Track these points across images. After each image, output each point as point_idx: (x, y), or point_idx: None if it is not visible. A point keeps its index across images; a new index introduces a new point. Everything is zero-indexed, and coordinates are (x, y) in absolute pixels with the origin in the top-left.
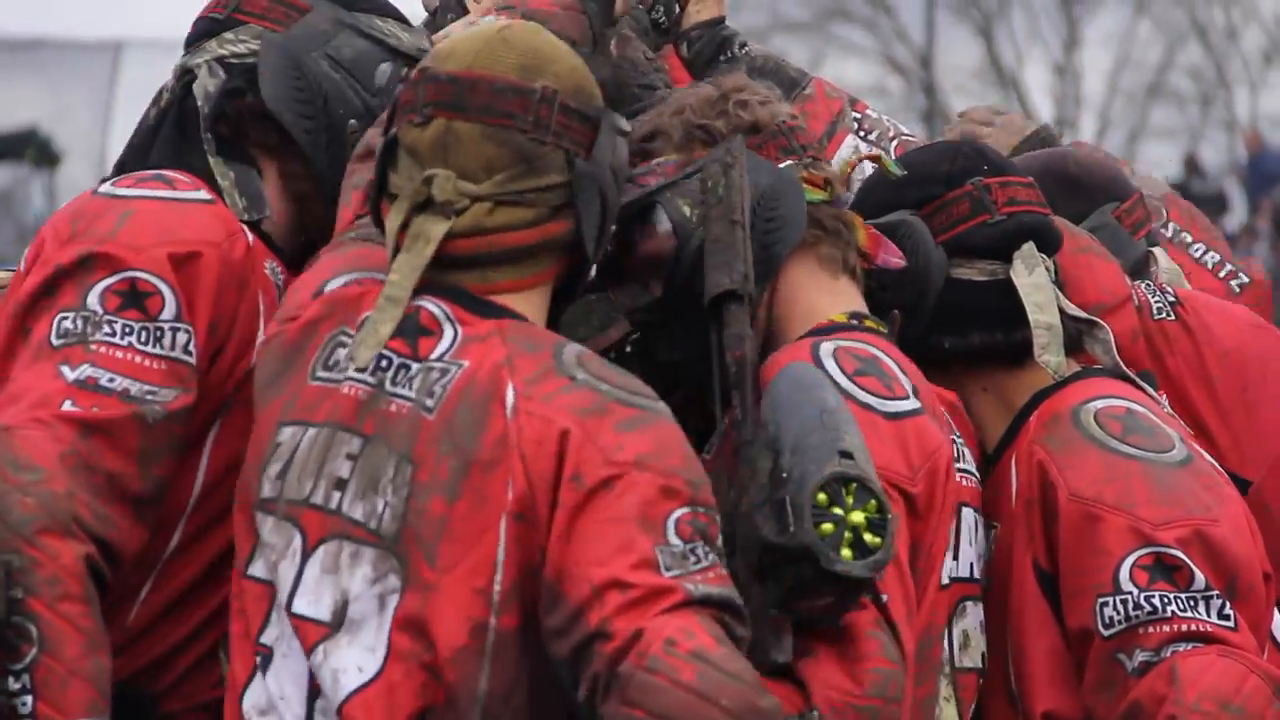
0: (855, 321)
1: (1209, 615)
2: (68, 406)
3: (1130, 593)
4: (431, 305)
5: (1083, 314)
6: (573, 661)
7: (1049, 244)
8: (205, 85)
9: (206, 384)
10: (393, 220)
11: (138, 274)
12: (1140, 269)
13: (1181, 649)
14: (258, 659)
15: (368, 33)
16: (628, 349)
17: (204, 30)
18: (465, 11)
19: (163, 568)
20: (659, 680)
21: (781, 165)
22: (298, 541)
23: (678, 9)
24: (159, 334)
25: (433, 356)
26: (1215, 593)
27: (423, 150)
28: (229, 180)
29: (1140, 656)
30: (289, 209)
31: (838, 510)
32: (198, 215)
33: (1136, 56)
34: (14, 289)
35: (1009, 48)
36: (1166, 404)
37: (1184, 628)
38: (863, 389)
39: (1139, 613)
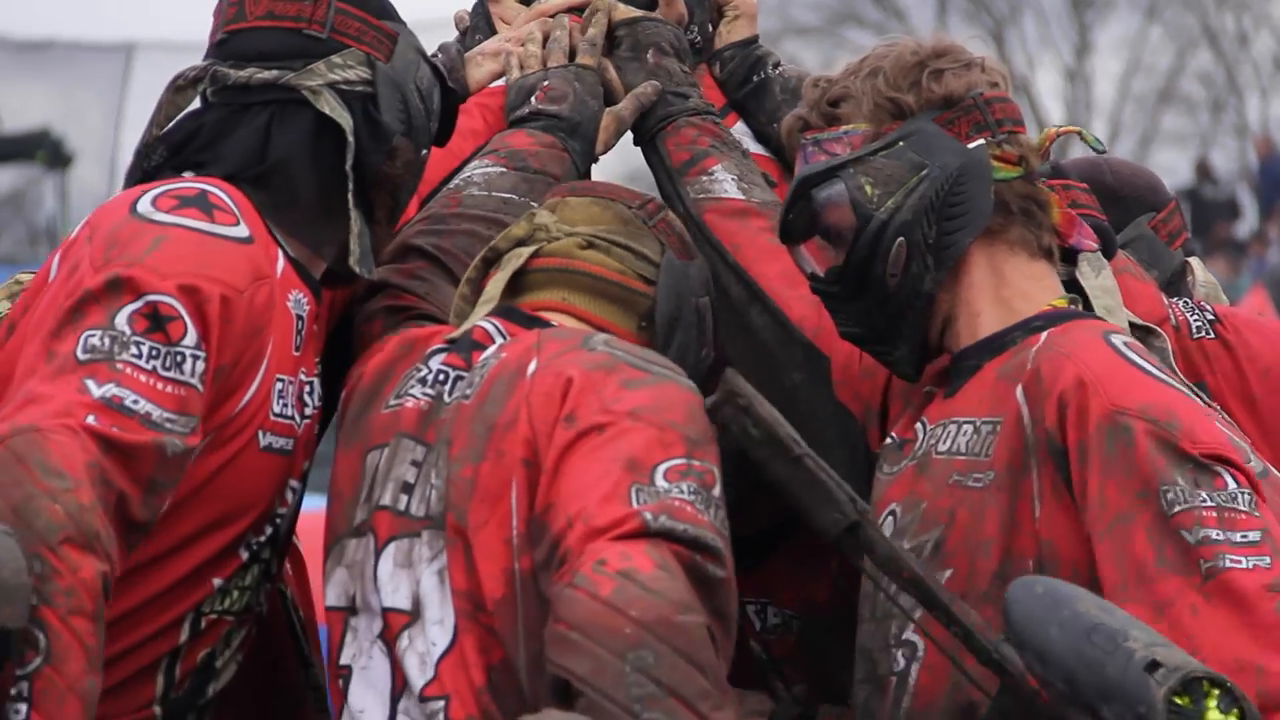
0: (1076, 307)
1: None
2: (90, 420)
3: None
4: (485, 323)
5: (1139, 320)
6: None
7: (1108, 250)
8: (340, 117)
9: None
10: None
11: (160, 298)
12: (1177, 280)
13: None
14: (340, 683)
15: (426, 57)
16: None
17: (301, 48)
18: (495, 32)
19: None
20: (579, 594)
21: (971, 145)
22: (371, 544)
23: (710, 29)
24: (179, 359)
25: (479, 361)
26: None
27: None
28: (360, 225)
29: None
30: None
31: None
32: (230, 255)
33: (1147, 62)
34: (41, 298)
35: (1020, 53)
36: (1222, 415)
37: None
38: (1170, 380)
39: None
